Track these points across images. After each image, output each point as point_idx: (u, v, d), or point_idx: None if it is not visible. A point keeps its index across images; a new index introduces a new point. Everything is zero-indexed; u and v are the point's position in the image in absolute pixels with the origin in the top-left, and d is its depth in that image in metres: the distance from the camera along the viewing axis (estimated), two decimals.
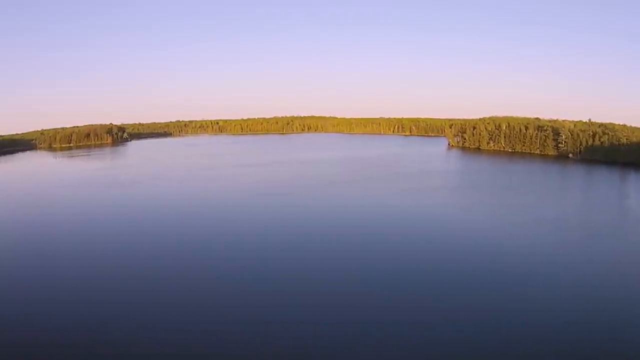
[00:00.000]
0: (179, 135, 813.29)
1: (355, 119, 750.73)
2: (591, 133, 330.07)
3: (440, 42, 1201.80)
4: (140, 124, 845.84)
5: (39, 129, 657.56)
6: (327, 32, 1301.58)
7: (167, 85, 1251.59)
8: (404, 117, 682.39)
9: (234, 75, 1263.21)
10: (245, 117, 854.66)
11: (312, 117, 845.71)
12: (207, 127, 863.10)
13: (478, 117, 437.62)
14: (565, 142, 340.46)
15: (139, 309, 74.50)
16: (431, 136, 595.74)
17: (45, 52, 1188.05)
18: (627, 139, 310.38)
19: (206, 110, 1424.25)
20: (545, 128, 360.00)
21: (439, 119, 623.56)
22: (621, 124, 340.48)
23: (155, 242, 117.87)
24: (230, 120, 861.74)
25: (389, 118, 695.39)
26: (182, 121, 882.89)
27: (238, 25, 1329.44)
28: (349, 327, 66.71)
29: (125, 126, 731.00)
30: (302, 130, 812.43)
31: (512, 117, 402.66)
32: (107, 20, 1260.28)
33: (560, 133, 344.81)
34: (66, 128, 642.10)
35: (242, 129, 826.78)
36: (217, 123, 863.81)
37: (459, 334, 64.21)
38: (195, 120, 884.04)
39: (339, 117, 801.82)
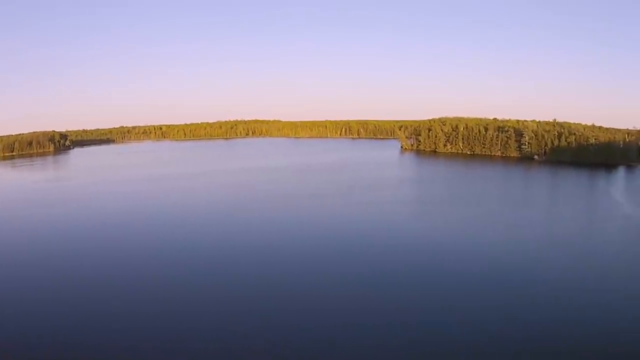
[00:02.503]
0: (122, 142, 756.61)
1: (300, 122, 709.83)
2: (556, 134, 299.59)
3: (387, 43, 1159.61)
4: (84, 130, 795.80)
5: None
6: (268, 35, 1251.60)
7: (110, 90, 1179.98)
8: (352, 119, 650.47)
9: (177, 79, 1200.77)
10: (188, 122, 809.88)
11: (257, 121, 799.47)
12: (150, 132, 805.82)
13: (428, 118, 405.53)
14: (528, 143, 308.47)
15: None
16: (380, 139, 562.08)
17: None
18: (595, 139, 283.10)
19: (150, 115, 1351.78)
20: (506, 129, 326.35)
21: (388, 120, 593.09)
22: (589, 124, 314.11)
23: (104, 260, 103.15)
24: (173, 125, 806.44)
25: (336, 121, 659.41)
26: (126, 127, 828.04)
27: (179, 29, 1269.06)
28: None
29: (69, 133, 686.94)
30: (247, 134, 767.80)
31: (470, 118, 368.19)
32: (50, 27, 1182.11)
33: (523, 134, 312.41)
34: (10, 136, 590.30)
35: (185, 134, 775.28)
36: (160, 128, 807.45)
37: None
38: (139, 126, 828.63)
39: (283, 120, 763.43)
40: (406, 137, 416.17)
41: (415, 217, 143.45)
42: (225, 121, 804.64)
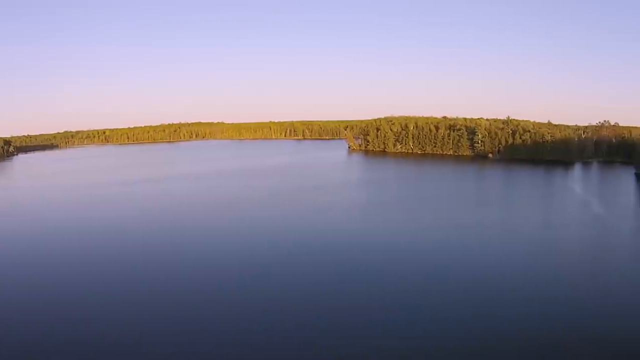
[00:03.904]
0: (66, 147, 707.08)
1: (244, 124, 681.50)
2: (510, 131, 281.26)
3: (330, 43, 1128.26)
4: (28, 136, 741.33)
5: None
6: (210, 38, 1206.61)
7: (55, 94, 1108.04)
8: (296, 120, 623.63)
9: (120, 83, 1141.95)
10: (132, 126, 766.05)
11: (200, 124, 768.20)
12: (94, 137, 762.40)
13: (374, 118, 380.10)
14: (482, 141, 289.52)
15: None
16: (326, 139, 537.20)
17: None
18: (551, 137, 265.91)
19: (94, 120, 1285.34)
20: (458, 127, 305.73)
21: (333, 121, 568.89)
22: (544, 121, 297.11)
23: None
24: (117, 129, 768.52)
25: (280, 122, 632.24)
26: (70, 132, 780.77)
27: (123, 33, 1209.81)
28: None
29: (13, 139, 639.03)
30: (190, 137, 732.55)
31: (419, 117, 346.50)
32: None
33: (476, 132, 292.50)
34: None
35: (128, 138, 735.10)
36: (104, 133, 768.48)
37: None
38: (82, 131, 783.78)
39: (227, 122, 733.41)
40: (354, 137, 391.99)
41: (366, 221, 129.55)
42: (169, 124, 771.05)
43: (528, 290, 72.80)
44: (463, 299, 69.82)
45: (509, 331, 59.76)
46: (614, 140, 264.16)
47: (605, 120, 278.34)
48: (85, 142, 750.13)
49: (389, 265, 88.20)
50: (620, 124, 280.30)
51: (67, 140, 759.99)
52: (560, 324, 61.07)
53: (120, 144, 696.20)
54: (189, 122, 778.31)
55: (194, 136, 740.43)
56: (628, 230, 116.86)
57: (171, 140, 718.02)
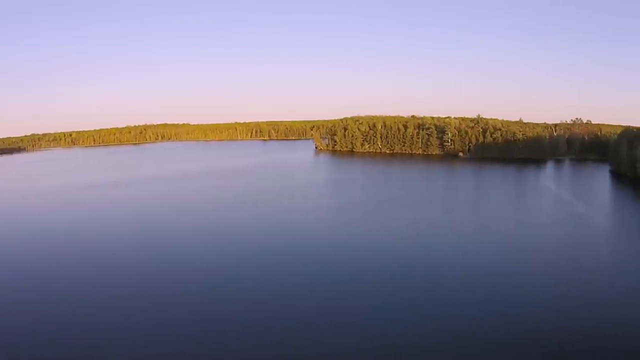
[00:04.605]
0: (34, 150, 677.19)
1: (210, 125, 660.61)
2: (481, 130, 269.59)
3: (295, 43, 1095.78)
4: None
5: None
6: (176, 40, 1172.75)
7: (21, 97, 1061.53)
8: (262, 121, 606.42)
9: (86, 84, 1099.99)
10: (98, 128, 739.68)
11: (166, 125, 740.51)
12: (61, 139, 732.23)
13: (341, 117, 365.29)
14: (451, 140, 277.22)
15: None
16: (292, 139, 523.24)
17: None
18: (523, 135, 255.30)
19: (60, 121, 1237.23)
20: (427, 126, 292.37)
21: (300, 121, 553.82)
22: (516, 120, 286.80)
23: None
24: (83, 131, 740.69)
25: (246, 123, 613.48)
26: (37, 134, 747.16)
27: (89, 34, 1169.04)
28: None
29: None
30: (157, 139, 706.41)
31: (387, 116, 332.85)
32: None
33: (445, 131, 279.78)
34: None
35: (94, 140, 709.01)
36: (70, 135, 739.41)
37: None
38: (49, 133, 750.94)
39: (193, 124, 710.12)
40: (321, 138, 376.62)
41: (334, 222, 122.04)
42: (135, 126, 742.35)
43: (505, 289, 70.33)
44: (438, 298, 67.20)
45: (486, 330, 57.28)
46: (586, 138, 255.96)
47: (577, 118, 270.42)
48: (52, 145, 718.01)
49: (356, 265, 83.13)
50: (593, 122, 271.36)
51: (34, 143, 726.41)
52: (539, 321, 58.75)
53: (86, 147, 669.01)
54: (155, 123, 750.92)
55: (160, 138, 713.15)
56: (607, 227, 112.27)
57: (137, 142, 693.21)
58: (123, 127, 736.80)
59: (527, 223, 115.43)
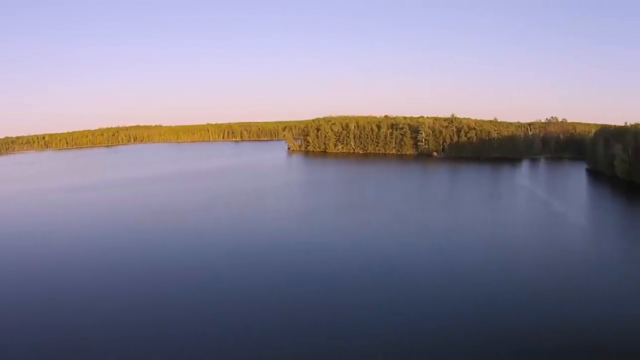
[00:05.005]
0: (7, 153, 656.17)
1: (182, 126, 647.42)
2: (455, 129, 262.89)
3: (267, 44, 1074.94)
4: None
5: None
6: (148, 40, 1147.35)
7: None
8: (234, 122, 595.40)
9: (59, 87, 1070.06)
10: (71, 131, 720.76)
11: (138, 127, 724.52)
12: (34, 142, 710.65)
13: (313, 118, 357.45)
14: (425, 140, 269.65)
15: None
16: (264, 140, 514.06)
17: None
18: (498, 134, 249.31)
19: (34, 124, 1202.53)
20: (401, 126, 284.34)
21: (272, 122, 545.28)
22: (491, 119, 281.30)
23: None
24: (56, 134, 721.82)
25: (218, 124, 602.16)
26: (10, 137, 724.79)
27: (59, 37, 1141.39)
28: None
29: None
30: (129, 141, 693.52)
31: (360, 117, 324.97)
32: None
33: (419, 130, 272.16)
34: None
35: (67, 143, 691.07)
36: (44, 138, 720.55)
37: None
38: (22, 137, 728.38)
39: (165, 125, 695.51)
40: (293, 138, 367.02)
41: (307, 223, 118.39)
42: (107, 128, 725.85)
43: (480, 288, 68.03)
44: (414, 298, 65.17)
45: (461, 328, 55.73)
46: (561, 137, 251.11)
47: (552, 117, 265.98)
48: (25, 148, 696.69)
49: (331, 266, 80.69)
50: (568, 120, 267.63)
51: (7, 146, 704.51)
52: (514, 319, 57.63)
53: (59, 149, 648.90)
54: (127, 125, 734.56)
55: (132, 140, 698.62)
56: (585, 225, 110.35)
57: (110, 144, 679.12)
58: (96, 130, 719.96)
59: (502, 222, 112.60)
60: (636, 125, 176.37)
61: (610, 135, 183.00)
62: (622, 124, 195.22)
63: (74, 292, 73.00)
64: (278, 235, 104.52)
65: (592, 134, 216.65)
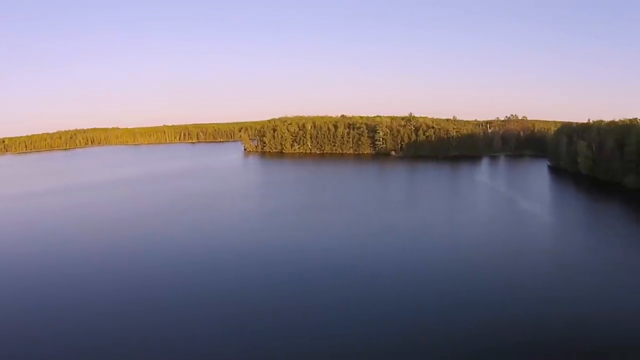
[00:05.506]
0: None
1: (139, 128, 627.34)
2: (413, 128, 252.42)
3: (223, 42, 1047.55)
4: None
5: None
6: (100, 39, 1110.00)
7: None
8: (190, 123, 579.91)
9: (16, 89, 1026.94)
10: (30, 134, 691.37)
11: (95, 130, 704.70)
12: None
13: (269, 119, 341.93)
14: (383, 139, 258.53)
15: None
16: (220, 142, 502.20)
17: None
18: (457, 132, 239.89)
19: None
20: (358, 126, 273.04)
21: (227, 123, 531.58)
22: (449, 117, 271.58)
23: None
24: (15, 137, 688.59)
25: (174, 125, 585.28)
26: None
27: (17, 36, 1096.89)
28: None
29: None
30: (87, 144, 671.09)
31: (317, 117, 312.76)
32: None
33: (377, 130, 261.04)
34: None
35: (26, 146, 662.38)
36: (3, 142, 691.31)
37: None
38: None
39: (121, 128, 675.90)
40: (250, 139, 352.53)
41: (271, 227, 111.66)
42: (65, 131, 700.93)
43: (443, 286, 67.29)
44: (376, 298, 63.81)
45: (423, 328, 54.72)
46: (521, 134, 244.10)
47: (512, 114, 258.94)
48: None
49: (293, 267, 78.39)
50: (528, 118, 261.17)
51: None
52: (475, 317, 56.07)
53: (18, 153, 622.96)
54: (85, 128, 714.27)
55: (90, 142, 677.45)
56: (550, 222, 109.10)
57: (68, 147, 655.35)
58: (54, 133, 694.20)
59: (464, 220, 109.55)
60: (600, 122, 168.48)
61: (573, 132, 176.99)
62: (582, 121, 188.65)
63: (31, 300, 67.97)
64: (238, 239, 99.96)
65: (554, 131, 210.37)
